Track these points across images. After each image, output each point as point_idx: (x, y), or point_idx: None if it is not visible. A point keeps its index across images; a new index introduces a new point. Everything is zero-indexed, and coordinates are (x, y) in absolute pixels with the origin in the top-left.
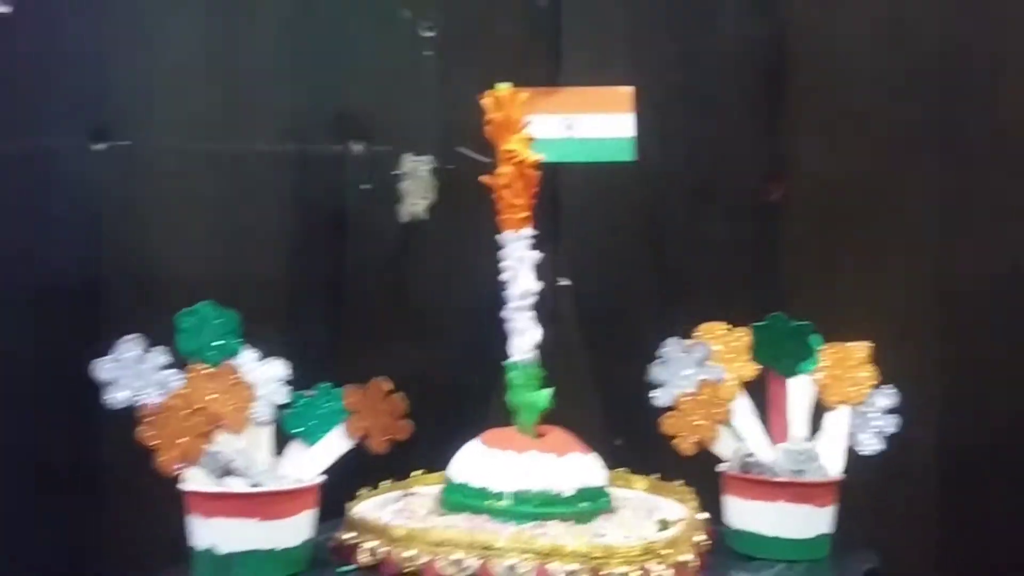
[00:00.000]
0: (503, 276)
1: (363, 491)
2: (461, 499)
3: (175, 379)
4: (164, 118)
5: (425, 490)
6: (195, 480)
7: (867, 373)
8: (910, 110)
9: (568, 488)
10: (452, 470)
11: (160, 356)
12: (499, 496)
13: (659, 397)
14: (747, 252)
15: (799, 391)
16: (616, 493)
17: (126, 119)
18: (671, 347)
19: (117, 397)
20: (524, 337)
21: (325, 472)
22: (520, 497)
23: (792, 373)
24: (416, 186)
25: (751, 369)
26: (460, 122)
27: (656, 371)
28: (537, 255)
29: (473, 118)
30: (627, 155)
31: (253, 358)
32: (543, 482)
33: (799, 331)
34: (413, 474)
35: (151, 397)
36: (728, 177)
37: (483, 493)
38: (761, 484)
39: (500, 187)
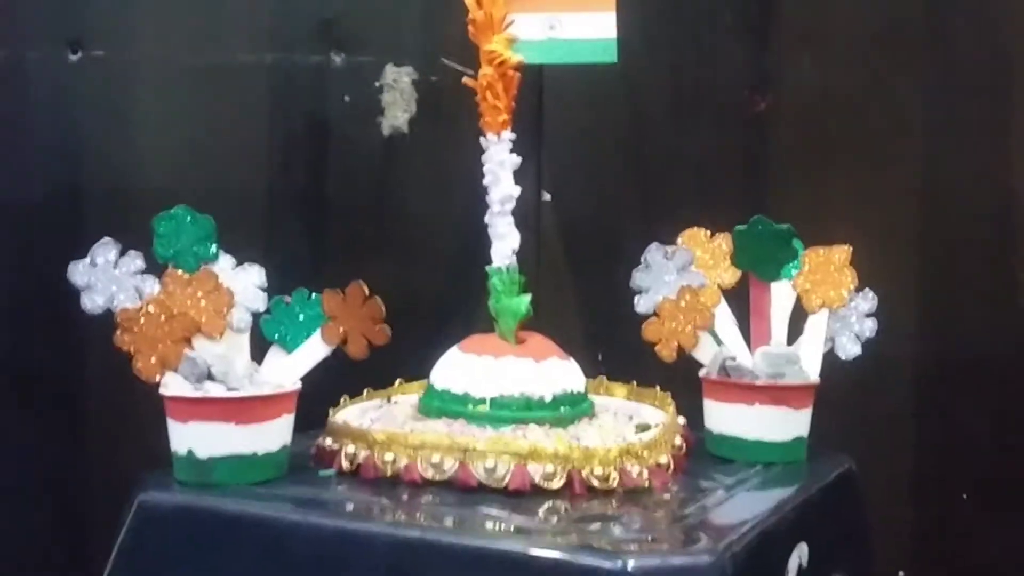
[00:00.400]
0: (484, 180)
1: (344, 399)
2: (441, 405)
3: (151, 284)
4: (142, 28)
5: (405, 398)
6: (174, 385)
7: (848, 276)
8: (894, 20)
9: (547, 393)
10: (433, 376)
11: (136, 260)
12: (479, 401)
13: (641, 303)
14: (731, 162)
15: (780, 295)
16: (596, 400)
17: (104, 29)
18: (653, 253)
19: (94, 302)
20: (504, 243)
21: (304, 379)
22: (498, 402)
23: (774, 277)
24: (397, 98)
25: (732, 275)
26: (442, 31)
27: (638, 277)
28: (517, 159)
29: (456, 28)
30: (610, 56)
31: (231, 264)
32: (521, 387)
33: (781, 235)
34: (395, 382)
35: (128, 302)
36: (713, 86)
37: (463, 398)
38: (740, 387)
39: (482, 89)
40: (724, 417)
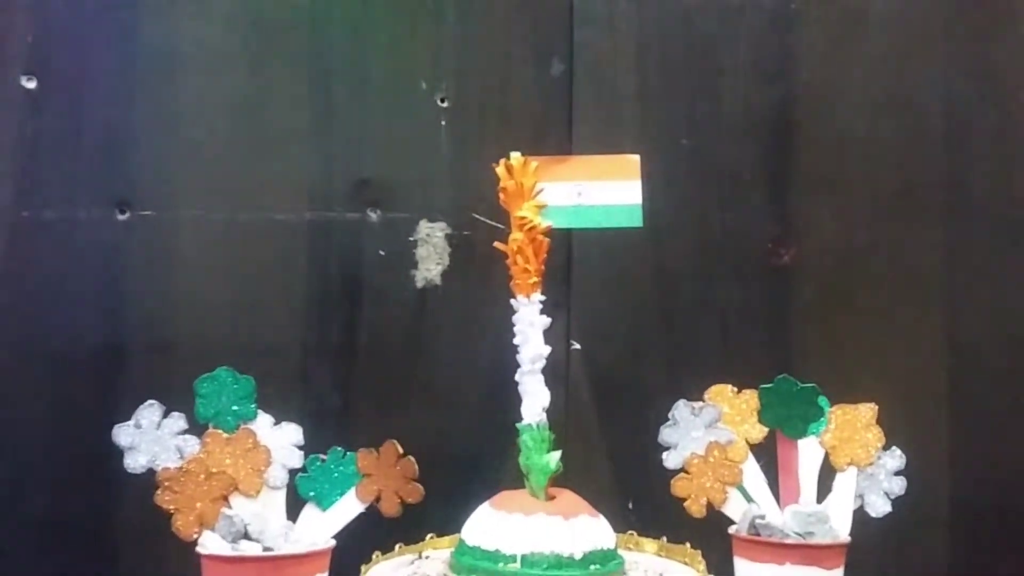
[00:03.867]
0: (515, 340)
1: (376, 555)
2: (472, 561)
3: (192, 444)
4: (187, 188)
5: (437, 554)
6: (211, 543)
7: (874, 435)
8: (914, 174)
9: (577, 551)
10: (465, 532)
11: (178, 421)
12: (510, 559)
13: (669, 459)
14: (755, 316)
15: (807, 453)
16: (627, 556)
17: (149, 189)
18: (680, 410)
19: (137, 462)
20: (535, 400)
21: (338, 536)
22: (529, 560)
23: (800, 435)
24: (431, 252)
25: (759, 431)
26: (474, 189)
27: (666, 433)
28: (547, 320)
29: (487, 186)
30: (636, 221)
31: (268, 423)
32: (551, 545)
33: (806, 393)
34: (426, 538)
35: (169, 462)
36: (736, 242)
37: (494, 555)
38: (770, 546)
39: (512, 253)
40: None
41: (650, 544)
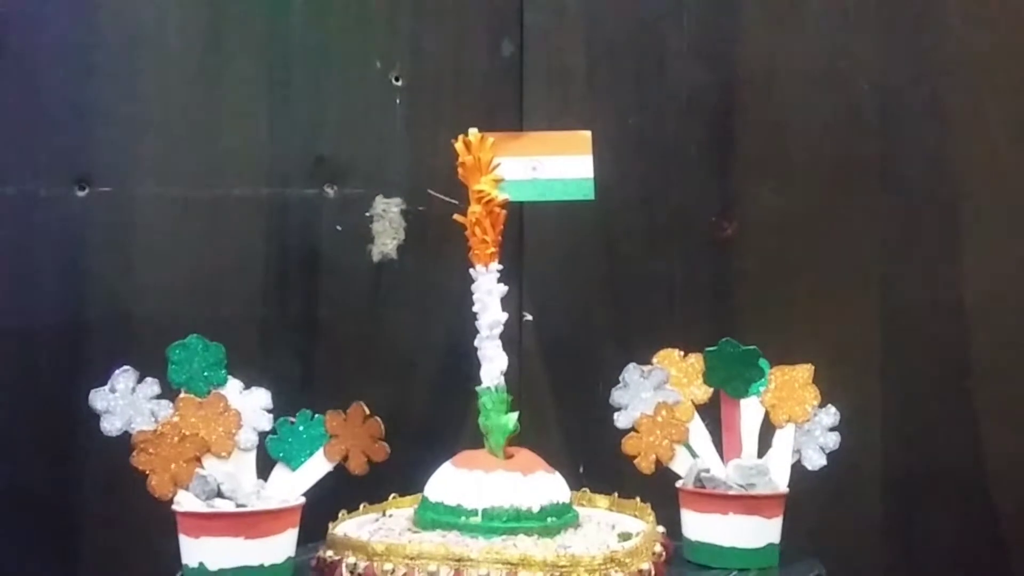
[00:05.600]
0: (474, 308)
1: (343, 513)
2: (435, 516)
3: (165, 408)
4: (146, 166)
5: (400, 512)
6: (187, 502)
7: (811, 393)
8: (850, 150)
9: (535, 504)
10: (427, 490)
11: (152, 387)
12: (471, 513)
13: (620, 419)
14: (700, 286)
15: (749, 411)
16: (581, 511)
17: (109, 166)
18: (631, 372)
19: (113, 425)
20: (493, 364)
21: (307, 494)
22: (489, 514)
23: (742, 395)
24: (386, 227)
25: (705, 392)
26: (428, 165)
27: (617, 395)
28: (504, 288)
29: (441, 162)
30: (588, 194)
31: (238, 388)
32: (511, 499)
33: (748, 355)
34: (390, 497)
35: (144, 425)
36: (681, 216)
37: (456, 511)
38: (714, 497)
39: (471, 225)
40: (700, 526)
41: (602, 500)
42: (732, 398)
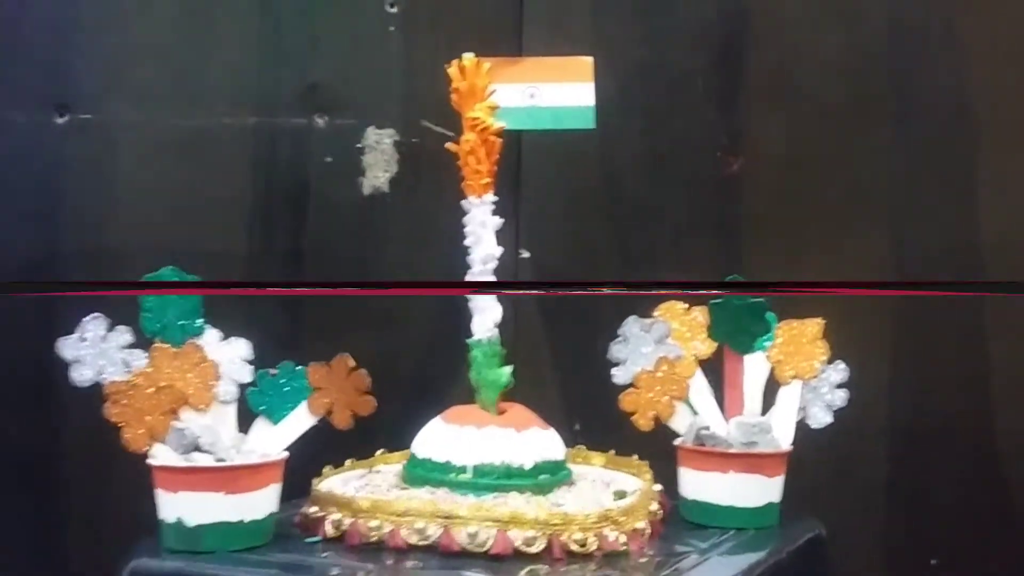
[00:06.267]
0: (466, 241)
1: (327, 469)
2: (424, 473)
3: (139, 358)
4: (129, 92)
5: (388, 468)
6: (163, 456)
7: (820, 349)
8: (862, 82)
9: (527, 461)
10: (415, 446)
11: (124, 335)
12: (461, 470)
13: (618, 375)
14: (706, 221)
15: (754, 367)
16: (575, 468)
17: (89, 92)
18: (631, 326)
19: (83, 375)
20: (486, 315)
21: (290, 449)
22: (480, 470)
23: (748, 350)
24: (378, 159)
25: (708, 346)
26: (422, 96)
27: (615, 349)
28: (499, 220)
29: (435, 92)
30: (588, 122)
31: (216, 338)
32: (502, 455)
33: (754, 308)
34: (377, 453)
35: (116, 375)
36: (686, 150)
37: (445, 467)
38: (714, 455)
39: (464, 154)
40: (699, 484)
41: (598, 457)
42: (737, 353)
